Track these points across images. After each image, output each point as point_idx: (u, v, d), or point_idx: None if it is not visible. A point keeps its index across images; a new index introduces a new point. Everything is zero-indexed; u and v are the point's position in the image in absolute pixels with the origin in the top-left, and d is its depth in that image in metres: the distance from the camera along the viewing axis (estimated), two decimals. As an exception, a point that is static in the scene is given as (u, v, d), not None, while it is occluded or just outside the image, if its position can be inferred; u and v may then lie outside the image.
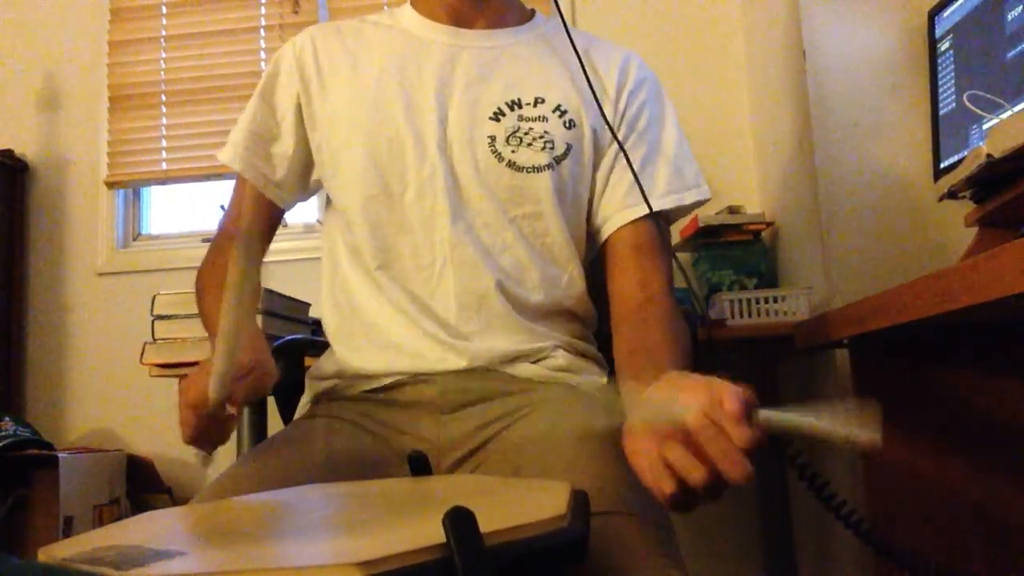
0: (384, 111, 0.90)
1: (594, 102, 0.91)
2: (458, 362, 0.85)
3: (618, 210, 0.92)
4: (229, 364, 0.67)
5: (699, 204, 0.95)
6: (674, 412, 0.53)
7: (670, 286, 0.91)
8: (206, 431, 0.72)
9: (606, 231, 0.93)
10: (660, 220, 0.93)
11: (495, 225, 0.88)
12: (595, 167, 0.93)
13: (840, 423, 0.49)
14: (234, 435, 1.60)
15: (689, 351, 0.82)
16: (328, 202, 0.98)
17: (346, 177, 0.91)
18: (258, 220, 0.96)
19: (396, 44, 0.95)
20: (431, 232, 0.87)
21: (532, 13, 1.01)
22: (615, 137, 0.91)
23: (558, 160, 0.89)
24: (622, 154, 0.91)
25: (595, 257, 0.97)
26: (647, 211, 0.90)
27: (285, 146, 0.96)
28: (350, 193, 0.90)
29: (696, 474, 0.51)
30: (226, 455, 1.72)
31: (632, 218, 0.91)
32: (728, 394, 0.51)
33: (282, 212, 1.00)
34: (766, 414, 0.52)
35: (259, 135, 0.96)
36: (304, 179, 0.98)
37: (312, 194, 1.02)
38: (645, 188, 0.90)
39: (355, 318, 0.91)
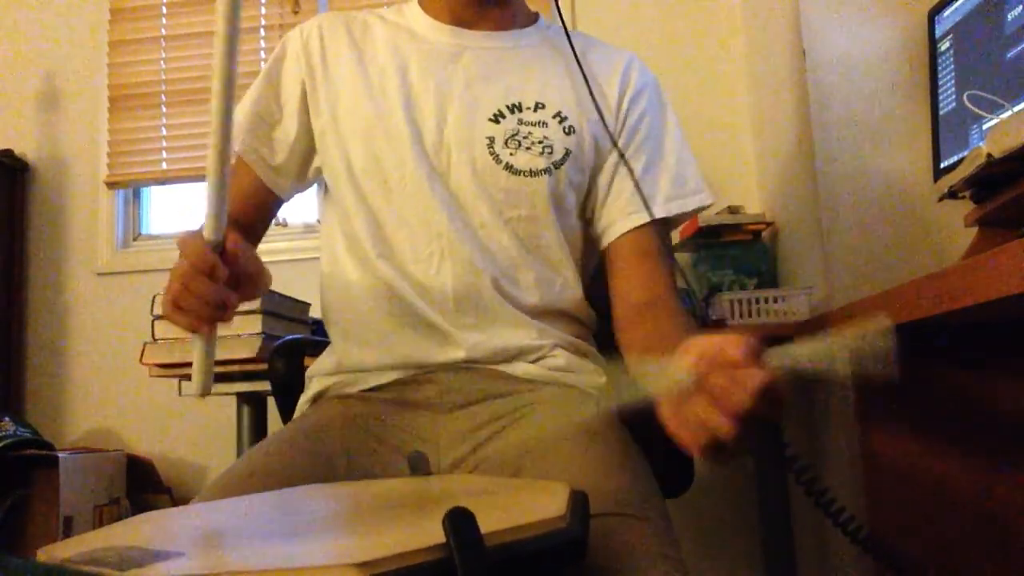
0: (385, 106, 0.90)
1: (595, 109, 0.91)
2: (456, 354, 0.85)
3: (620, 217, 0.92)
4: (221, 201, 0.66)
5: (701, 209, 0.96)
6: (687, 374, 0.54)
7: (675, 289, 0.91)
8: (203, 302, 0.68)
9: (608, 237, 0.93)
10: (662, 226, 0.93)
11: (491, 226, 0.88)
12: (595, 173, 0.93)
13: (853, 353, 0.51)
14: (234, 435, 1.61)
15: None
16: (326, 191, 0.98)
17: (346, 167, 0.91)
18: (251, 203, 0.96)
19: (400, 41, 0.95)
20: (428, 227, 0.87)
21: (536, 17, 1.01)
22: (616, 146, 0.92)
23: (556, 165, 0.89)
24: (624, 161, 0.91)
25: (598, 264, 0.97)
26: (649, 219, 0.90)
27: (287, 130, 0.95)
28: (349, 184, 0.90)
29: (723, 424, 0.52)
30: (226, 455, 1.72)
31: (634, 225, 0.91)
32: (730, 343, 0.53)
33: (278, 202, 0.98)
34: (775, 352, 0.53)
35: (261, 118, 0.95)
36: (303, 166, 0.97)
37: (310, 184, 1.00)
38: (647, 194, 0.90)
39: (354, 308, 0.91)
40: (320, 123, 0.94)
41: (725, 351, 0.52)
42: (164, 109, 2.19)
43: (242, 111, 0.96)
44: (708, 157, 1.92)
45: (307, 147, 0.96)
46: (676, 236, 1.74)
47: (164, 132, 2.19)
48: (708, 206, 0.96)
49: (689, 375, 0.53)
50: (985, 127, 1.14)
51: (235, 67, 0.64)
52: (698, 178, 0.95)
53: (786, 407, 0.52)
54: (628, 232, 0.92)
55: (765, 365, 0.52)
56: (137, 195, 2.28)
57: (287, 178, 0.97)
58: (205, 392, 0.71)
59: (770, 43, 1.75)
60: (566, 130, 0.91)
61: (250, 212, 0.96)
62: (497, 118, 0.90)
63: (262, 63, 2.17)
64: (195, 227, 0.71)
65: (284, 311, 1.60)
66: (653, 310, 0.88)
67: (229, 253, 0.69)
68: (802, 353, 0.53)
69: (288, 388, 1.10)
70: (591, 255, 0.97)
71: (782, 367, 0.53)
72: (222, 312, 0.69)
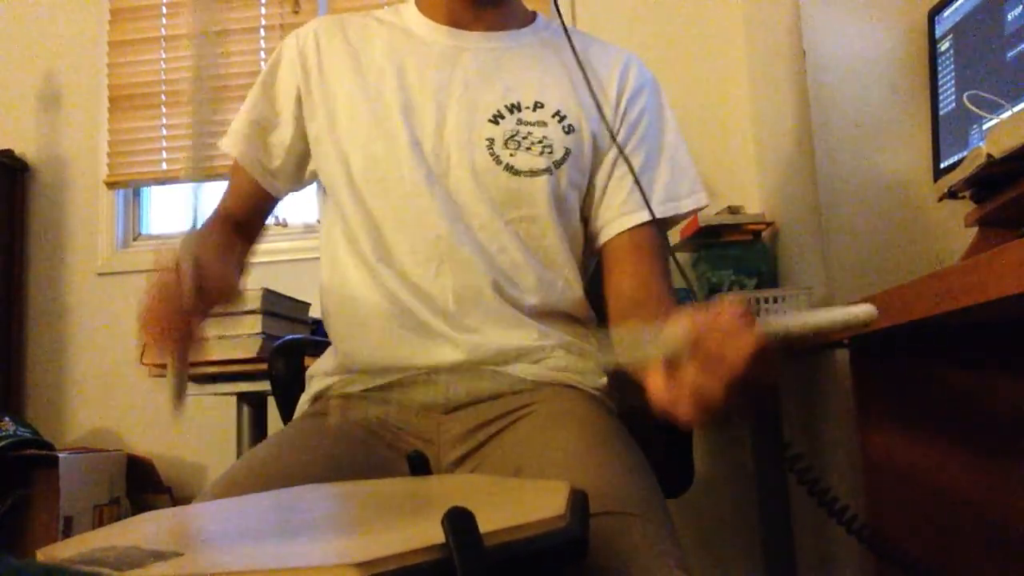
0: (383, 109, 0.90)
1: (594, 107, 0.91)
2: (457, 356, 0.85)
3: (616, 216, 0.92)
4: (197, 257, 0.69)
5: (697, 211, 0.96)
6: (678, 338, 0.54)
7: (670, 288, 0.91)
8: (175, 338, 0.71)
9: (604, 236, 0.93)
10: (657, 225, 0.93)
11: (491, 227, 0.88)
12: (593, 173, 0.93)
13: (835, 311, 0.53)
14: (234, 435, 1.61)
15: None
16: (324, 193, 0.98)
17: (344, 171, 0.91)
18: (248, 204, 0.98)
19: (398, 42, 0.95)
20: (428, 230, 0.87)
21: (534, 16, 1.01)
22: (615, 143, 0.91)
23: (556, 165, 0.89)
24: (621, 160, 0.91)
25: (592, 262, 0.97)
26: (645, 219, 0.90)
27: (283, 135, 0.96)
28: (348, 188, 0.90)
29: (712, 387, 0.52)
30: (226, 455, 1.72)
31: (630, 225, 0.92)
32: (722, 309, 0.54)
33: (274, 202, 1.00)
34: (765, 320, 0.54)
35: (258, 124, 0.96)
36: (299, 169, 0.98)
37: (306, 185, 1.01)
38: (641, 197, 0.90)
39: (355, 310, 0.91)
40: (316, 128, 0.94)
41: (718, 317, 0.53)
42: (164, 109, 2.19)
43: (240, 118, 0.97)
44: (708, 157, 1.93)
45: (303, 151, 0.97)
46: (676, 236, 1.74)
47: (164, 132, 2.19)
48: (704, 207, 0.96)
49: (682, 340, 0.54)
50: (985, 127, 1.14)
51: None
52: (694, 179, 0.95)
53: (777, 371, 0.53)
54: (624, 232, 0.92)
55: (758, 330, 0.53)
56: (137, 195, 2.28)
57: (283, 181, 0.98)
58: (178, 405, 0.73)
59: (770, 43, 1.75)
60: (565, 129, 0.91)
61: (248, 212, 0.98)
62: (496, 119, 0.90)
63: (262, 63, 2.18)
64: (164, 259, 0.74)
65: (284, 311, 1.60)
66: (645, 305, 0.88)
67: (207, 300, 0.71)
68: (793, 323, 0.55)
69: (288, 388, 1.10)
70: (591, 254, 0.97)
71: (774, 333, 0.54)
72: (188, 339, 0.72)
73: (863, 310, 0.54)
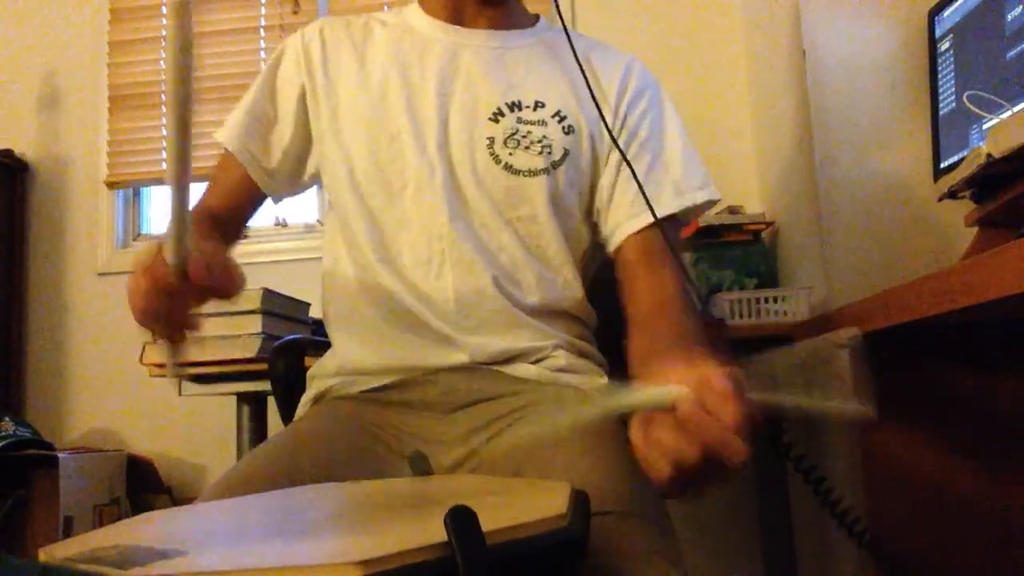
0: (386, 109, 0.90)
1: (595, 109, 0.90)
2: (459, 357, 0.85)
3: (626, 219, 0.91)
4: (183, 225, 0.62)
5: (710, 204, 0.94)
6: (663, 396, 0.52)
7: (682, 288, 0.89)
8: (165, 310, 0.67)
9: (615, 240, 0.92)
10: (669, 225, 0.91)
11: (492, 226, 0.88)
12: (595, 175, 0.93)
13: (832, 400, 0.50)
14: (234, 435, 1.61)
15: (701, 345, 0.78)
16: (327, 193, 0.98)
17: (347, 171, 0.91)
18: (237, 200, 0.95)
19: (401, 42, 0.95)
20: (429, 229, 0.87)
21: (536, 19, 1.01)
22: (616, 145, 0.91)
23: (555, 165, 0.89)
24: (626, 162, 0.91)
25: (603, 264, 0.96)
26: (654, 219, 0.89)
27: (282, 135, 0.95)
28: (350, 188, 0.90)
29: (690, 454, 0.50)
30: (226, 455, 1.72)
31: (640, 226, 0.90)
32: (715, 374, 0.51)
33: (261, 202, 0.97)
34: (756, 396, 0.51)
35: (258, 119, 0.95)
36: (297, 170, 0.97)
37: (303, 189, 1.00)
38: (651, 194, 0.89)
39: (355, 312, 0.91)
40: (320, 127, 0.94)
41: (710, 382, 0.50)
42: (164, 109, 2.19)
43: (239, 111, 0.96)
44: (708, 157, 1.92)
45: (301, 152, 0.96)
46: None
47: (164, 132, 2.19)
48: (716, 201, 0.94)
49: (668, 401, 0.51)
50: (985, 127, 1.14)
51: (191, 84, 0.59)
52: (705, 175, 0.94)
53: (751, 450, 0.50)
54: (634, 234, 0.91)
55: (747, 405, 0.50)
56: (137, 195, 2.28)
57: (280, 182, 0.97)
58: (177, 373, 0.70)
59: (770, 43, 1.75)
60: (565, 130, 0.91)
61: (235, 208, 0.95)
62: (496, 117, 0.90)
63: (262, 63, 2.18)
64: (154, 242, 0.68)
65: (284, 311, 1.60)
66: (657, 318, 0.86)
67: (192, 275, 0.63)
68: (785, 403, 0.53)
69: (288, 388, 1.10)
70: (593, 256, 0.97)
71: (764, 408, 0.52)
72: (186, 327, 0.68)
73: (858, 408, 0.51)
